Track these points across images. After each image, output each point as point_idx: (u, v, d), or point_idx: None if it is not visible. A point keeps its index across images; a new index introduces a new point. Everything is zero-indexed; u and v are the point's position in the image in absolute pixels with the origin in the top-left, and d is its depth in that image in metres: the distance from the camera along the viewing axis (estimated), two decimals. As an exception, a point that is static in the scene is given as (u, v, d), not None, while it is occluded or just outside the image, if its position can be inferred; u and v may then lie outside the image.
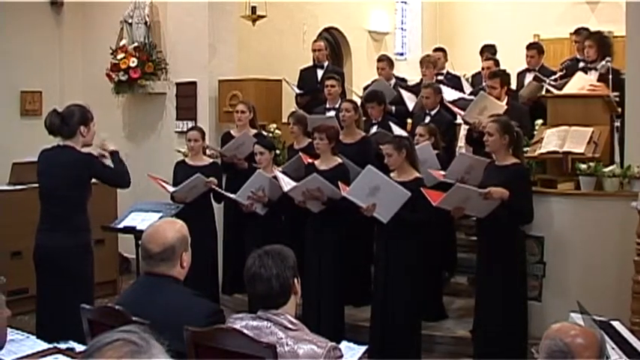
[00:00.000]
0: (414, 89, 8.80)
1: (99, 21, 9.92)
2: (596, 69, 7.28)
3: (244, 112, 7.77)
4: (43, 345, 3.74)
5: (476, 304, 6.09)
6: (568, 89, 6.98)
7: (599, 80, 6.96)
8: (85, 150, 5.41)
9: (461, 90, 8.78)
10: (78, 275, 5.24)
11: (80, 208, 5.38)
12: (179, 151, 8.14)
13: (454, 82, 9.13)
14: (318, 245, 6.51)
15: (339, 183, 6.21)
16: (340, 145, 6.91)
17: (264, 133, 8.03)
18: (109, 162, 5.53)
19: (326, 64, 9.13)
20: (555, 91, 7.06)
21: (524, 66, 8.87)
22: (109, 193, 7.72)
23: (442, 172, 6.43)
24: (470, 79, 9.94)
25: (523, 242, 6.00)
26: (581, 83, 6.94)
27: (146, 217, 6.26)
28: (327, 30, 12.30)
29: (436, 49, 10.05)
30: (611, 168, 6.10)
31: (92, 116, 5.46)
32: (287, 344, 2.96)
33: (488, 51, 9.64)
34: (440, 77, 9.27)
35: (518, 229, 5.91)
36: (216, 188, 7.06)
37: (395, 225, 5.87)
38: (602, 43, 7.43)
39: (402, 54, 14.30)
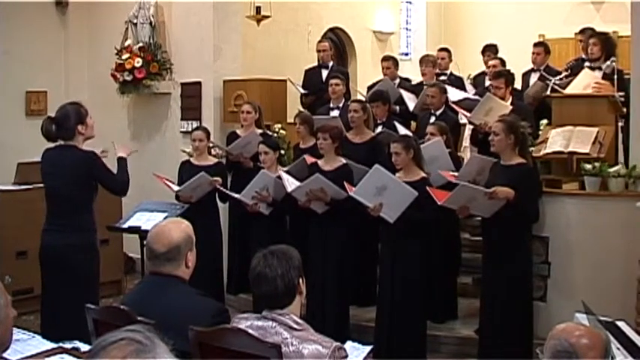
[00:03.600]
0: (415, 89, 8.78)
1: (104, 21, 9.93)
2: (600, 68, 7.29)
3: (250, 112, 7.78)
4: (49, 345, 3.75)
5: (481, 305, 6.07)
6: (574, 86, 6.98)
7: (603, 79, 6.96)
8: (87, 147, 5.40)
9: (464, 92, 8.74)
10: (83, 275, 5.24)
11: (85, 207, 5.36)
12: (184, 151, 8.14)
13: (457, 83, 9.08)
14: (323, 245, 6.49)
15: (345, 183, 6.19)
16: (350, 144, 6.90)
17: (269, 133, 8.03)
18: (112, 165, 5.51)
19: (331, 64, 9.14)
20: (561, 90, 7.05)
21: (530, 66, 8.84)
22: (114, 193, 7.73)
23: (452, 174, 6.40)
24: (472, 79, 9.89)
25: (528, 242, 5.98)
26: (587, 80, 6.94)
27: (151, 217, 6.28)
28: (331, 30, 12.28)
29: (441, 49, 10.01)
30: (616, 168, 6.09)
31: (86, 111, 5.38)
32: (292, 344, 2.97)
33: (490, 50, 9.62)
34: (442, 77, 9.24)
35: (524, 229, 5.89)
36: (221, 188, 7.06)
37: (400, 225, 5.85)
38: (606, 42, 7.46)
39: (406, 54, 14.26)
